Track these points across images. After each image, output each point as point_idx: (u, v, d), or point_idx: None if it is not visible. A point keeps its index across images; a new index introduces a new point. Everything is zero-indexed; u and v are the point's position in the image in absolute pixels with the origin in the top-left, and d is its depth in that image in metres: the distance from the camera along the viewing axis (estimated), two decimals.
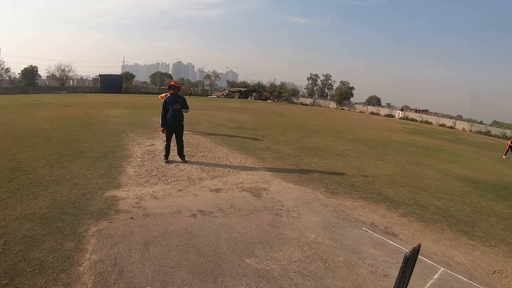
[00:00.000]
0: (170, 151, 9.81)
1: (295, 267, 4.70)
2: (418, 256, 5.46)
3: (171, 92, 9.81)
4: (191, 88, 76.78)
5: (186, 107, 9.94)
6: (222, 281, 4.14)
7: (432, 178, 12.05)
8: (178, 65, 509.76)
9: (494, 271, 5.51)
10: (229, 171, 9.33)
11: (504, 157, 23.03)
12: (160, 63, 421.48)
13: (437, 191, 10.15)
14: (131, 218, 5.63)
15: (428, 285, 4.81)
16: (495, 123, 71.87)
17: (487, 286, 4.99)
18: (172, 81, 10.37)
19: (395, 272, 4.57)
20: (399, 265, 4.84)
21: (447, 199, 9.40)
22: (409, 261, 3.39)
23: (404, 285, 3.54)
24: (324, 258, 5.09)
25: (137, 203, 6.28)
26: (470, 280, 5.09)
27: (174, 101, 9.64)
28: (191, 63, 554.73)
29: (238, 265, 4.54)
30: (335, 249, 5.42)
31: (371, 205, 7.94)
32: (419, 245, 3.59)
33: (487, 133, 58.52)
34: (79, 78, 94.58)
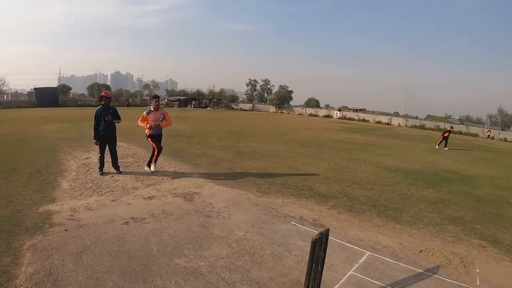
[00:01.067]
0: (105, 163, 9.77)
1: (223, 263, 4.96)
2: (344, 243, 5.93)
3: (103, 103, 9.73)
4: (129, 99, 75.38)
5: (118, 117, 9.92)
6: (152, 281, 4.34)
7: (364, 171, 12.67)
8: (117, 75, 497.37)
9: (421, 250, 6.00)
10: (163, 178, 9.44)
11: (437, 147, 24.62)
12: (98, 73, 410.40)
13: (368, 183, 10.72)
14: (65, 230, 5.69)
15: (353, 268, 5.14)
16: (428, 117, 75.23)
17: (413, 265, 5.42)
18: (103, 92, 10.29)
19: None
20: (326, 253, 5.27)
21: (377, 190, 9.97)
22: (318, 245, 3.69)
23: (320, 268, 3.84)
24: (251, 252, 5.38)
25: (71, 216, 6.32)
26: (396, 260, 5.52)
27: (106, 112, 9.62)
28: (129, 73, 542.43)
29: (168, 265, 4.75)
30: (262, 244, 5.73)
31: (301, 201, 8.32)
32: (327, 230, 3.92)
33: (422, 127, 61.35)
34: (13, 92, 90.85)
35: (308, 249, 5.64)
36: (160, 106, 9.96)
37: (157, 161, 10.16)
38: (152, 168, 10.09)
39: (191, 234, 5.90)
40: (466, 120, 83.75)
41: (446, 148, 24.79)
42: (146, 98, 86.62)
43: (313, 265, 3.75)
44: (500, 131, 65.47)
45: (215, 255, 5.19)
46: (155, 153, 10.06)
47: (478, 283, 5.06)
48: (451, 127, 29.09)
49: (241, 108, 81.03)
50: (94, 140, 9.67)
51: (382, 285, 4.77)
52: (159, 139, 10.16)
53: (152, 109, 9.96)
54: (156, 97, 10.40)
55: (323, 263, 3.93)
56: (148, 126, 9.82)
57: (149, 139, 10.10)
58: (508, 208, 9.48)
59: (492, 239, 6.96)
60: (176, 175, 9.97)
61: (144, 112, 9.86)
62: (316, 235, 3.70)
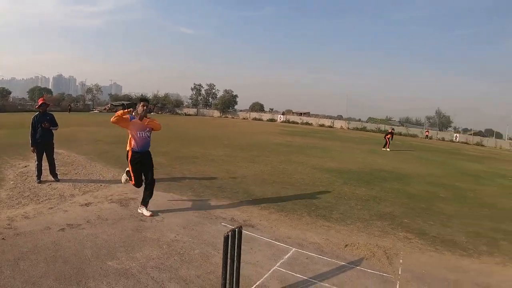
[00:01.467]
0: (43, 171, 9.73)
1: (153, 263, 5.28)
2: (271, 241, 6.37)
3: (41, 110, 9.74)
4: (71, 104, 73.24)
5: (55, 124, 9.94)
6: (85, 283, 4.59)
7: (300, 173, 13.25)
8: (59, 78, 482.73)
9: (346, 245, 6.50)
10: (101, 185, 9.56)
11: (387, 149, 25.78)
12: (40, 76, 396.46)
13: (303, 184, 11.27)
14: (3, 238, 5.78)
15: (278, 264, 5.54)
16: (370, 120, 78.01)
17: (337, 258, 5.89)
18: (41, 99, 10.30)
19: (248, 258, 5.38)
20: (252, 251, 5.74)
21: (310, 190, 10.49)
22: (230, 241, 4.04)
23: (236, 263, 4.21)
24: (181, 252, 5.73)
25: (8, 225, 6.39)
26: (320, 255, 5.99)
27: (43, 119, 9.65)
28: (72, 76, 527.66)
29: (101, 267, 5.02)
30: (192, 244, 6.09)
31: (234, 203, 8.72)
32: (240, 227, 4.28)
33: (363, 129, 63.60)
34: None
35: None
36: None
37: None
38: (145, 212, 7.45)
39: (125, 237, 6.16)
40: (405, 122, 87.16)
41: (385, 149, 25.99)
42: (89, 103, 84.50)
43: (228, 260, 4.10)
44: (438, 132, 68.85)
45: (146, 256, 5.49)
46: (132, 182, 7.69)
47: (400, 273, 5.55)
48: (393, 129, 30.40)
49: (185, 113, 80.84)
50: (32, 148, 9.62)
51: (305, 278, 5.18)
52: (147, 162, 7.67)
53: (135, 116, 7.36)
54: (145, 100, 7.75)
55: (239, 258, 4.27)
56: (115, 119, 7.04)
57: (129, 164, 7.60)
58: (439, 203, 10.29)
59: (418, 231, 7.62)
60: (114, 181, 10.05)
61: (127, 116, 7.26)
62: (228, 231, 4.05)
